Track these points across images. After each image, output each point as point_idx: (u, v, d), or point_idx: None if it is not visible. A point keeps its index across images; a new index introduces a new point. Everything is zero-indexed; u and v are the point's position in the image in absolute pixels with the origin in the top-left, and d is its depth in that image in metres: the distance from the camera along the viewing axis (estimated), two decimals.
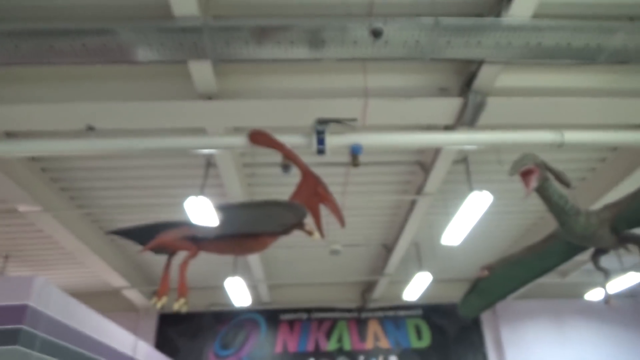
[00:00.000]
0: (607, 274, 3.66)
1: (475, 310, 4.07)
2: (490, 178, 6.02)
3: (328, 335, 10.00)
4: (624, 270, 8.47)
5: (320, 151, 3.65)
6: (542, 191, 2.86)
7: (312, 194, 3.17)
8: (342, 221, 3.50)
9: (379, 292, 9.72)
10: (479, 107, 4.18)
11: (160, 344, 9.53)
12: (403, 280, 9.04)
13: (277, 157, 3.41)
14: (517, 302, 10.27)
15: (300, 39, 3.56)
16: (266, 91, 4.36)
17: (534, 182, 2.75)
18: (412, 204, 6.44)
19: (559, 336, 10.29)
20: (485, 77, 4.03)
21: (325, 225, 6.66)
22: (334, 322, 10.13)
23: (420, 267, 8.25)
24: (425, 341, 10.05)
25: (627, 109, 4.38)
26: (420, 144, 3.82)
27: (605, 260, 8.74)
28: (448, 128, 4.56)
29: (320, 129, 3.61)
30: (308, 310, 10.20)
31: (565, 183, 3.00)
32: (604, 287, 3.66)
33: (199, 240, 2.88)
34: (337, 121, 3.53)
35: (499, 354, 10.03)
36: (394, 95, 4.27)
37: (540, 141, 3.73)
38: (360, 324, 10.16)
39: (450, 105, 4.27)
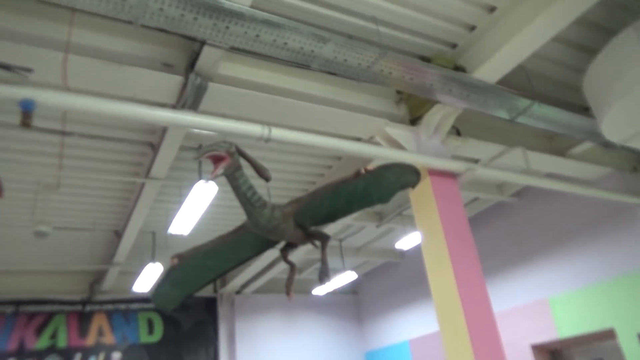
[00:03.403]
0: (293, 268, 3.76)
1: (171, 302, 3.79)
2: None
3: (39, 331, 8.61)
4: (344, 269, 9.53)
5: None
6: (232, 180, 2.88)
7: None
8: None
9: (109, 283, 8.82)
10: (200, 91, 3.95)
11: None
12: (136, 270, 8.38)
13: None
14: (254, 296, 10.64)
15: None
16: None
17: (220, 169, 2.74)
18: (142, 188, 5.92)
19: (289, 328, 11.04)
20: (207, 60, 3.82)
21: (36, 202, 5.54)
22: (49, 317, 8.78)
23: (154, 258, 7.74)
24: (157, 335, 9.56)
25: (342, 120, 4.74)
26: (123, 115, 3.36)
27: (332, 261, 9.57)
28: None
29: None
30: (16, 303, 8.61)
31: (265, 177, 3.04)
32: (291, 280, 3.73)
33: None
34: (7, 68, 2.80)
35: (231, 347, 10.21)
36: (107, 59, 3.72)
37: (249, 133, 3.68)
38: (84, 318, 9.07)
39: (169, 83, 3.92)
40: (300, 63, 3.85)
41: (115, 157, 5.68)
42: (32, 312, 8.69)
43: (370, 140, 5.06)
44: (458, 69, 4.54)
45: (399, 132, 4.87)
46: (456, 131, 5.42)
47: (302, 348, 10.89)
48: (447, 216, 4.54)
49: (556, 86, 5.26)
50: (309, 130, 4.32)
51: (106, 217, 7.19)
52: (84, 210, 6.87)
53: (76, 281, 9.17)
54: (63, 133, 5.03)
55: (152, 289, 3.48)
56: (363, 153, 4.39)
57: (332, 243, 9.53)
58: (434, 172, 4.69)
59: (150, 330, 9.53)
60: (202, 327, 10.05)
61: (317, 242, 3.60)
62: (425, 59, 4.60)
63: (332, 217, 3.40)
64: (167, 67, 4.05)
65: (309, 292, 10.98)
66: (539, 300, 7.41)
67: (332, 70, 3.97)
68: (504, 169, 5.27)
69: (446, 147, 5.03)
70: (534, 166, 5.80)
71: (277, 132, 3.79)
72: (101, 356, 8.93)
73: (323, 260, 3.55)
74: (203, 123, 3.60)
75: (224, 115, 4.01)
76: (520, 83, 4.79)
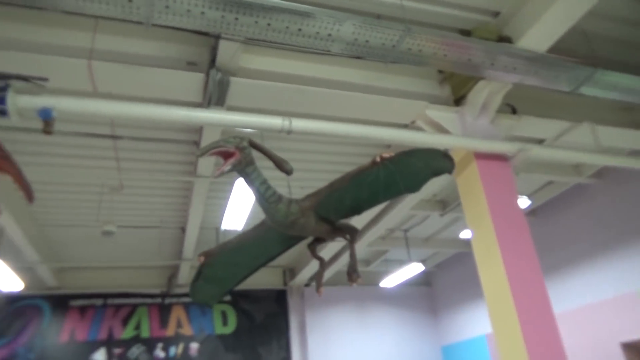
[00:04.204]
0: (322, 263, 3.62)
1: (211, 298, 3.83)
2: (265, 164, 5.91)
3: (125, 322, 9.29)
4: (410, 260, 9.17)
5: (1, 112, 3.03)
6: (245, 176, 2.83)
7: None
8: (29, 196, 3.03)
9: (183, 277, 9.26)
10: (223, 86, 3.92)
11: None
12: None
13: None
14: (324, 289, 10.59)
15: None
16: None
17: (227, 165, 2.71)
18: (193, 186, 6.09)
19: (360, 320, 10.90)
20: (225, 54, 3.77)
21: (103, 203, 5.86)
22: (133, 309, 9.44)
23: None
24: (231, 327, 9.89)
25: (377, 106, 4.48)
26: (143, 116, 3.42)
27: (395, 252, 9.16)
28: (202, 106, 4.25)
29: (1, 84, 3.00)
30: (104, 296, 9.35)
31: (285, 171, 2.96)
32: (321, 275, 3.60)
33: None
34: (24, 79, 2.96)
35: (302, 338, 10.29)
36: (131, 63, 3.80)
37: (268, 126, 3.58)
38: (163, 310, 9.63)
39: (191, 81, 3.94)
40: (320, 49, 3.67)
41: (167, 158, 5.88)
42: (118, 304, 9.39)
43: (412, 125, 4.74)
44: (503, 39, 4.07)
45: (441, 114, 4.50)
46: (512, 109, 4.90)
47: (374, 341, 10.70)
48: (497, 204, 4.12)
49: (623, 48, 4.54)
50: (342, 119, 4.12)
51: (171, 214, 7.52)
52: (150, 209, 7.24)
53: (155, 275, 9.75)
54: (114, 137, 5.29)
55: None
56: (398, 139, 4.10)
57: (397, 234, 9.20)
58: (481, 156, 4.27)
59: (225, 322, 9.89)
60: (274, 319, 10.23)
61: (348, 236, 3.41)
62: (466, 32, 4.19)
63: (357, 209, 3.20)
64: (192, 65, 4.07)
65: (377, 284, 10.72)
66: (629, 293, 6.56)
67: (355, 54, 3.73)
68: (569, 149, 4.68)
69: (497, 127, 4.56)
70: (610, 142, 5.09)
71: (299, 123, 3.64)
72: (181, 346, 9.42)
73: (351, 255, 3.36)
74: (221, 119, 3.56)
75: (251, 110, 3.96)
76: (579, 48, 4.20)
